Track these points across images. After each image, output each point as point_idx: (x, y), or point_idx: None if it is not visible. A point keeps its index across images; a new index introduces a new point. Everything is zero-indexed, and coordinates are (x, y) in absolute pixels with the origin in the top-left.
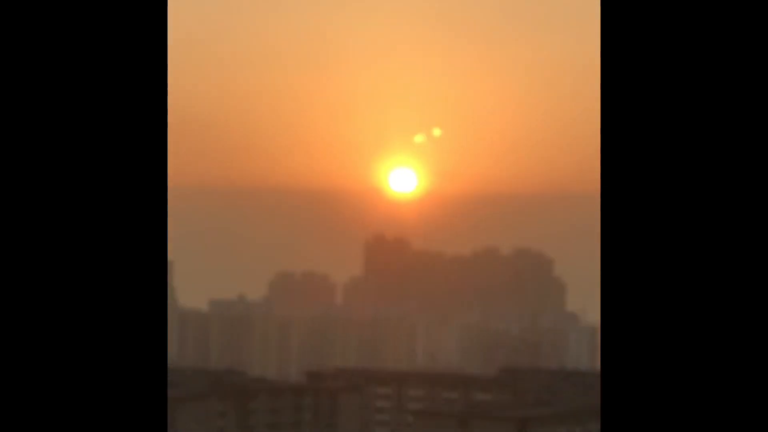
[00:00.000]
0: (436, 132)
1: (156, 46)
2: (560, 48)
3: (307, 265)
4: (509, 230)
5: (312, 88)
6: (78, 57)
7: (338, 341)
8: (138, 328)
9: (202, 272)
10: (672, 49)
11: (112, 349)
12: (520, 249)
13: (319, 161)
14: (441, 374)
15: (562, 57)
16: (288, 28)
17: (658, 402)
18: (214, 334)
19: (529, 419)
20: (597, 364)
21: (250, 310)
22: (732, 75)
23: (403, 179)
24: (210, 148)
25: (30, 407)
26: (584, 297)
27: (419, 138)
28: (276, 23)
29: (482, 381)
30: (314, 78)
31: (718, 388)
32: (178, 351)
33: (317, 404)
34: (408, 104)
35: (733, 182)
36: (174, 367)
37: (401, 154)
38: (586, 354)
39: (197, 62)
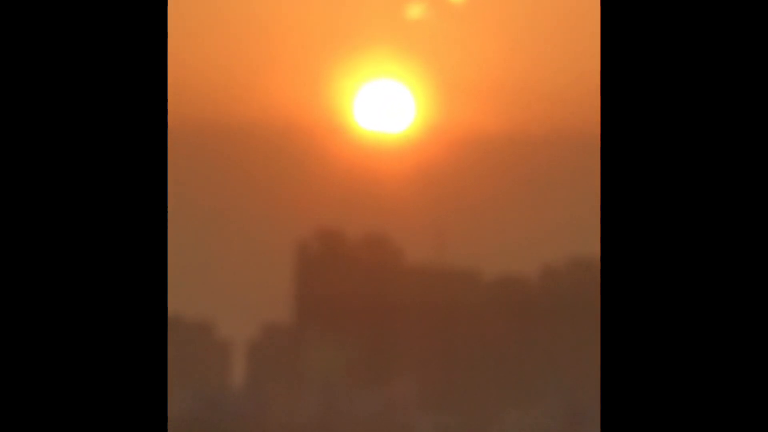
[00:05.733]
0: None
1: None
2: None
3: (178, 300)
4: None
5: None
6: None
7: None
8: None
9: None
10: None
11: (111, 348)
12: None
13: (213, 66)
14: None
15: None
16: None
17: (660, 403)
18: None
19: None
20: None
21: None
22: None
23: (383, 105)
24: None
25: (27, 405)
26: None
27: (415, 11)
28: None
29: None
30: None
31: (727, 385)
32: None
33: None
34: None
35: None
36: None
37: (381, 50)
38: None
39: None
